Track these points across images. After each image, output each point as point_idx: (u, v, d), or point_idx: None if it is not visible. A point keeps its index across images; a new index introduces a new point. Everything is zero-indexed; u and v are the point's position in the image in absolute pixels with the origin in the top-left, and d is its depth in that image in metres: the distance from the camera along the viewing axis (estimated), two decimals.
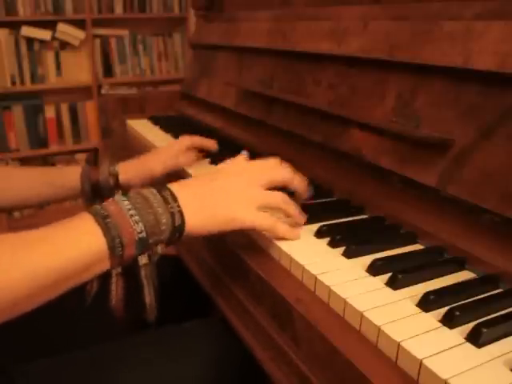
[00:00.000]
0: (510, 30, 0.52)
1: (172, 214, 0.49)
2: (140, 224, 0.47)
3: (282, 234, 0.55)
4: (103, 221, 0.45)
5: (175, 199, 0.50)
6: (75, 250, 0.44)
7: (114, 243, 0.45)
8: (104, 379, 0.58)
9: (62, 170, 0.83)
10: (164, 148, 0.85)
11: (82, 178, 0.78)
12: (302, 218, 0.59)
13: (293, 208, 0.57)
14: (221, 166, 0.60)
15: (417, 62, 0.62)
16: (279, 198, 0.56)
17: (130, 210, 0.47)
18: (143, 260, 0.49)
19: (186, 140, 0.85)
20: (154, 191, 0.50)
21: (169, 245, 0.51)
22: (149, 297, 0.51)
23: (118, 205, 0.47)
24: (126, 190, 0.80)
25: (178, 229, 0.50)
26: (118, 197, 0.49)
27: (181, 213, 0.50)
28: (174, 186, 0.52)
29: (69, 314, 0.70)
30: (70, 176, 0.78)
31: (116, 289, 0.50)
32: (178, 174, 0.80)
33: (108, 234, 0.45)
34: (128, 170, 0.79)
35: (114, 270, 0.49)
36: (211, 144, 0.87)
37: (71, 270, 0.44)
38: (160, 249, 0.50)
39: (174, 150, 0.83)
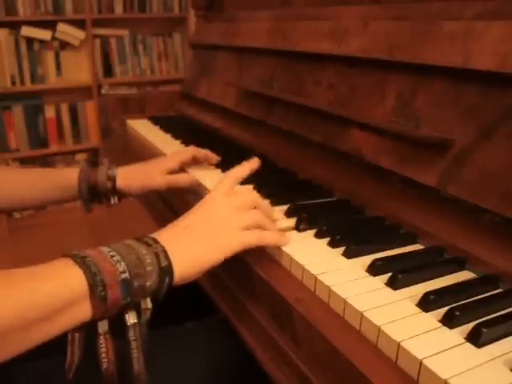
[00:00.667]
0: (510, 30, 0.52)
1: (156, 254, 0.47)
2: (122, 263, 0.44)
3: (272, 241, 0.54)
4: (81, 260, 0.43)
5: (156, 242, 0.49)
6: (54, 286, 0.41)
7: (95, 281, 0.42)
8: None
9: (59, 171, 0.82)
10: (166, 158, 0.83)
11: (80, 179, 0.77)
12: (281, 238, 0.56)
13: (272, 226, 0.57)
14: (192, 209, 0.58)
15: (417, 61, 0.62)
16: (256, 215, 0.55)
17: (109, 252, 0.45)
18: (131, 319, 0.46)
19: (190, 152, 0.83)
20: (134, 239, 0.48)
21: (159, 296, 0.48)
22: (137, 365, 0.47)
23: (97, 249, 0.45)
24: (123, 195, 0.79)
25: (166, 271, 0.47)
26: (98, 247, 0.46)
27: (165, 252, 0.47)
28: (153, 234, 0.51)
29: None
30: (67, 177, 0.78)
31: (106, 350, 0.45)
32: (195, 188, 0.78)
33: (87, 271, 0.42)
34: (127, 176, 0.78)
35: (100, 327, 0.45)
36: (214, 159, 0.85)
37: (50, 308, 0.41)
38: (150, 304, 0.47)
39: (175, 161, 0.80)
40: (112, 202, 0.79)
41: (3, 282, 0.40)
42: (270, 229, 0.56)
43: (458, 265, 0.51)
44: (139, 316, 0.47)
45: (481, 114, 0.54)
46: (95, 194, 0.78)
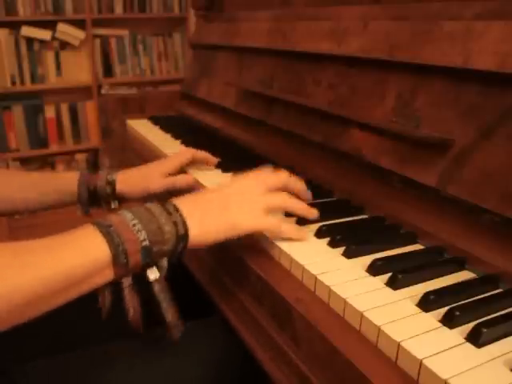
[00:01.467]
0: (510, 30, 0.52)
1: (175, 223, 0.50)
2: (143, 232, 0.47)
3: (286, 233, 0.55)
4: (105, 229, 0.46)
5: (177, 210, 0.51)
6: (78, 256, 0.44)
7: (118, 251, 0.45)
8: (104, 379, 0.58)
9: (59, 175, 0.82)
10: (165, 161, 0.83)
11: (79, 183, 0.77)
12: (312, 211, 0.59)
13: (297, 203, 0.58)
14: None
15: (417, 61, 0.62)
16: (280, 197, 0.57)
17: (132, 219, 0.48)
18: (152, 275, 0.49)
19: (189, 154, 0.83)
20: (157, 204, 0.51)
21: (174, 257, 0.51)
22: (170, 314, 0.51)
23: (120, 216, 0.48)
24: (122, 200, 0.79)
25: (182, 238, 0.50)
26: (122, 210, 0.49)
27: (184, 222, 0.50)
28: (176, 200, 0.53)
29: (69, 314, 0.70)
30: (67, 182, 0.78)
31: (132, 302, 0.49)
32: (193, 187, 0.78)
33: (111, 241, 0.45)
34: (126, 180, 0.78)
35: (125, 282, 0.48)
36: (212, 161, 0.85)
37: (74, 277, 0.44)
38: (166, 263, 0.50)
39: (175, 163, 0.81)
40: (112, 206, 0.79)
41: (25, 252, 0.43)
42: (298, 207, 0.58)
43: (458, 265, 0.51)
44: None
45: (481, 114, 0.54)
46: (95, 198, 0.78)
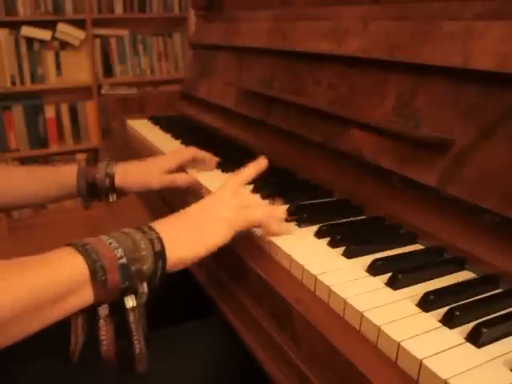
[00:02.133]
0: (510, 30, 0.52)
1: (150, 240, 0.49)
2: (120, 250, 0.46)
3: (255, 218, 0.56)
4: (82, 247, 0.45)
5: (152, 229, 0.51)
6: (55, 274, 0.43)
7: (95, 266, 0.44)
8: (104, 380, 0.58)
9: (58, 168, 0.81)
10: (165, 158, 0.82)
11: (79, 177, 0.77)
12: (289, 228, 0.59)
13: (276, 225, 0.58)
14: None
15: (417, 61, 0.62)
16: (259, 213, 0.57)
17: (108, 239, 0.47)
18: (130, 302, 0.48)
19: (190, 152, 0.82)
20: (130, 227, 0.51)
21: (154, 280, 0.49)
22: (138, 346, 0.49)
23: (96, 237, 0.48)
24: (121, 192, 0.79)
25: (160, 255, 0.49)
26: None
27: (159, 238, 0.50)
28: (151, 222, 0.53)
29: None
30: (66, 175, 0.77)
31: (106, 333, 0.47)
32: (195, 188, 0.78)
33: (88, 257, 0.44)
34: (125, 173, 0.78)
35: (101, 311, 0.47)
36: (213, 161, 0.85)
37: (52, 296, 0.42)
38: (146, 288, 0.48)
39: (175, 161, 0.80)
40: (111, 199, 0.79)
41: (2, 271, 0.41)
42: (275, 230, 0.57)
43: (458, 265, 0.51)
44: (136, 300, 0.49)
45: (481, 114, 0.54)
46: (94, 191, 0.77)
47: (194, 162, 0.83)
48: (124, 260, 0.46)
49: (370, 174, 0.66)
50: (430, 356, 0.37)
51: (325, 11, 0.85)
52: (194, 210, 0.57)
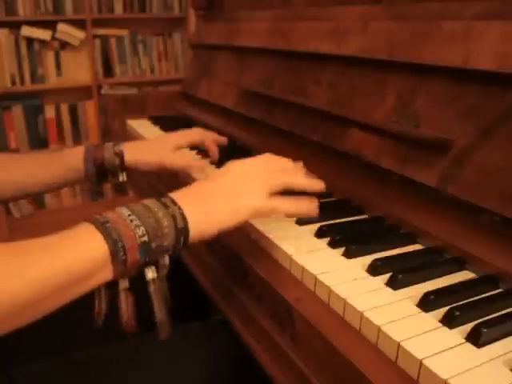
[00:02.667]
0: (510, 30, 0.52)
1: (173, 217, 0.48)
2: (141, 228, 0.45)
3: (300, 210, 0.55)
4: (102, 226, 0.44)
5: (175, 203, 0.49)
6: (76, 256, 0.43)
7: (116, 247, 0.44)
8: (104, 380, 0.58)
9: (64, 152, 0.78)
10: (175, 135, 0.81)
11: (86, 158, 0.74)
12: (319, 183, 0.57)
13: (301, 179, 0.56)
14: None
15: (417, 62, 0.62)
16: (284, 177, 0.55)
17: (129, 215, 0.46)
18: (150, 274, 0.48)
19: (200, 134, 0.81)
20: (153, 199, 0.49)
21: (176, 252, 0.49)
22: (160, 314, 0.49)
23: (117, 212, 0.46)
24: (130, 172, 0.77)
25: (182, 232, 0.48)
26: (118, 207, 0.47)
27: (182, 215, 0.48)
28: (173, 193, 0.51)
29: (69, 315, 0.70)
30: (72, 157, 0.75)
31: (126, 305, 0.48)
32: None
33: (109, 238, 0.44)
34: (134, 150, 0.76)
35: (121, 284, 0.47)
36: (223, 140, 0.83)
37: (73, 277, 0.42)
38: (167, 260, 0.48)
39: (185, 138, 0.79)
40: (120, 179, 0.77)
41: (23, 252, 0.41)
42: (303, 183, 0.56)
43: (458, 265, 0.51)
44: (157, 271, 0.48)
45: (481, 114, 0.54)
46: (102, 172, 0.75)
47: (202, 144, 0.82)
48: (145, 238, 0.45)
49: (370, 173, 0.66)
50: (430, 356, 0.37)
51: (325, 11, 0.85)
52: (218, 179, 0.54)
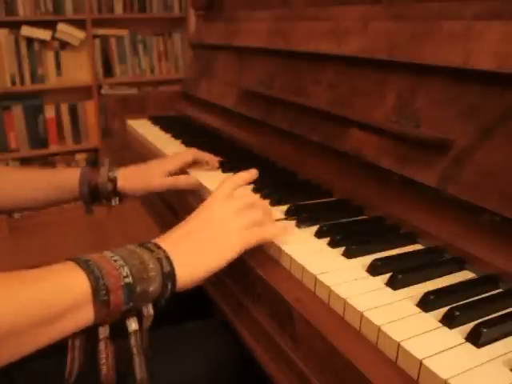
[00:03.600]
0: (510, 30, 0.52)
1: (159, 260, 0.46)
2: (125, 268, 0.44)
3: (272, 235, 0.55)
4: (85, 263, 0.43)
5: (159, 247, 0.48)
6: (55, 289, 0.41)
7: (98, 284, 0.42)
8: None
9: (60, 172, 0.82)
10: (166, 160, 0.82)
11: (81, 180, 0.77)
12: (280, 227, 0.58)
13: (271, 219, 0.59)
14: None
15: (417, 62, 0.62)
16: (255, 214, 0.56)
17: (112, 256, 0.45)
18: (133, 325, 0.45)
19: (191, 154, 0.82)
20: (136, 244, 0.48)
21: (161, 302, 0.47)
22: (139, 371, 0.46)
23: (100, 253, 0.45)
24: (123, 196, 0.79)
25: (169, 276, 0.47)
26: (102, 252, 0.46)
27: (168, 258, 0.47)
28: (156, 239, 0.51)
29: None
30: (68, 178, 0.77)
31: (106, 356, 0.45)
32: (196, 190, 0.78)
33: (91, 274, 0.42)
34: (127, 177, 0.78)
35: (101, 332, 0.44)
36: (214, 162, 0.84)
37: (51, 313, 0.40)
38: (152, 311, 0.46)
39: (176, 163, 0.80)
40: (113, 203, 0.79)
41: (2, 286, 0.40)
42: (269, 225, 0.57)
43: (458, 265, 0.51)
44: (140, 322, 0.46)
45: (481, 114, 0.54)
46: (96, 195, 0.77)
47: (195, 164, 0.83)
48: (129, 279, 0.44)
49: (370, 173, 0.66)
50: (430, 356, 0.37)
51: (325, 11, 0.85)
52: (197, 223, 0.54)
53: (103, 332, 0.45)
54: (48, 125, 2.62)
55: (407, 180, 0.59)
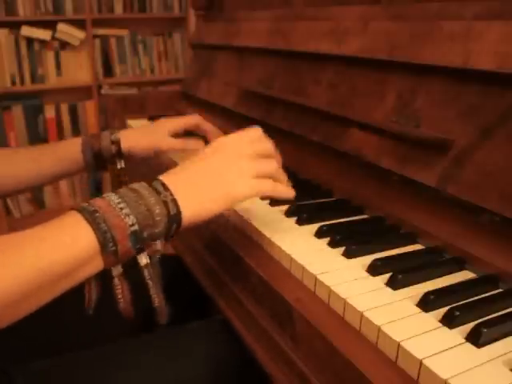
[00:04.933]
0: (510, 30, 0.52)
1: (165, 203, 0.46)
2: (131, 216, 0.44)
3: (284, 193, 0.55)
4: (91, 216, 0.43)
5: (166, 188, 0.48)
6: (63, 248, 0.42)
7: (105, 238, 0.43)
8: (104, 380, 0.58)
9: (61, 144, 0.79)
10: (170, 119, 0.81)
11: (83, 147, 0.75)
12: (292, 191, 0.57)
13: (284, 177, 0.57)
14: (205, 147, 0.57)
15: (417, 62, 0.62)
16: (271, 166, 0.54)
17: (119, 203, 0.44)
18: (143, 260, 0.47)
19: (196, 119, 0.81)
20: (144, 183, 0.48)
21: (168, 239, 0.48)
22: (157, 299, 0.48)
23: (106, 199, 0.45)
24: (128, 158, 0.78)
25: (175, 218, 0.47)
26: (107, 193, 0.46)
27: (174, 201, 0.47)
28: (164, 176, 0.50)
29: (69, 314, 0.70)
30: (70, 149, 0.76)
31: (122, 291, 0.46)
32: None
33: (97, 229, 0.42)
34: (131, 137, 0.77)
35: (114, 271, 0.46)
36: (215, 134, 0.83)
37: (62, 270, 0.41)
38: (160, 246, 0.47)
39: (180, 122, 0.79)
40: (119, 166, 0.77)
41: (6, 247, 0.40)
42: (283, 181, 0.56)
43: (458, 265, 0.51)
44: (150, 256, 0.47)
45: (481, 114, 0.54)
46: (101, 160, 0.76)
47: (197, 130, 0.82)
48: (136, 227, 0.44)
49: (370, 173, 0.66)
50: (430, 356, 0.37)
51: (325, 11, 0.85)
52: (209, 162, 0.52)
53: (116, 270, 0.46)
54: (48, 125, 2.62)
55: (407, 180, 0.59)
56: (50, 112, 2.61)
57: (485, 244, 0.50)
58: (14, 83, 2.47)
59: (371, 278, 0.49)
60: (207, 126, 0.82)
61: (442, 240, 0.54)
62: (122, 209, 0.44)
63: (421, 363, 0.36)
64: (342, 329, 0.43)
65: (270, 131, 0.91)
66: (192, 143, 0.77)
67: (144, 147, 0.77)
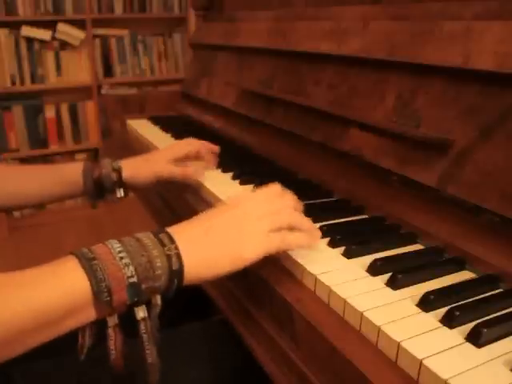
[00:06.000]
0: (510, 30, 0.52)
1: (168, 257, 0.45)
2: (131, 267, 0.42)
3: (297, 244, 0.51)
4: (88, 263, 0.41)
5: (172, 241, 0.46)
6: (56, 293, 0.40)
7: (100, 287, 0.41)
8: (104, 380, 0.58)
9: (63, 166, 0.80)
10: (170, 147, 0.81)
11: (84, 173, 0.76)
12: (317, 232, 0.54)
13: (304, 222, 0.53)
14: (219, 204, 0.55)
15: (417, 61, 0.62)
16: (285, 216, 0.52)
17: (120, 252, 0.43)
18: (141, 313, 0.45)
19: (196, 144, 0.81)
20: (150, 233, 0.46)
21: (168, 293, 0.46)
22: (150, 357, 0.46)
23: (107, 246, 0.44)
24: (129, 187, 0.78)
25: (176, 274, 0.45)
26: (110, 240, 0.45)
27: (178, 255, 0.45)
28: (171, 228, 0.48)
29: None
30: (71, 172, 0.76)
31: (115, 343, 0.45)
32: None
33: (92, 277, 0.41)
34: (131, 166, 0.77)
35: (110, 321, 0.44)
36: (215, 148, 0.84)
37: (53, 315, 0.40)
38: (159, 300, 0.45)
39: (181, 150, 0.79)
40: (118, 195, 0.78)
41: (2, 286, 0.39)
42: (305, 228, 0.52)
43: (458, 265, 0.51)
44: (149, 310, 0.46)
45: (481, 114, 0.54)
46: (100, 187, 0.76)
47: (197, 157, 0.82)
48: (134, 279, 0.43)
49: (370, 173, 0.66)
50: (430, 356, 0.37)
51: (325, 11, 0.85)
52: (222, 220, 0.50)
53: (112, 320, 0.44)
54: (48, 125, 2.61)
55: (407, 180, 0.59)
56: (49, 112, 2.61)
57: (485, 244, 0.50)
58: (13, 83, 2.47)
59: (371, 278, 0.49)
60: (207, 155, 0.82)
61: (442, 240, 0.54)
62: (122, 258, 0.43)
63: (421, 363, 0.36)
64: (342, 329, 0.43)
65: (270, 131, 0.91)
66: (191, 170, 0.77)
67: (146, 175, 0.77)
